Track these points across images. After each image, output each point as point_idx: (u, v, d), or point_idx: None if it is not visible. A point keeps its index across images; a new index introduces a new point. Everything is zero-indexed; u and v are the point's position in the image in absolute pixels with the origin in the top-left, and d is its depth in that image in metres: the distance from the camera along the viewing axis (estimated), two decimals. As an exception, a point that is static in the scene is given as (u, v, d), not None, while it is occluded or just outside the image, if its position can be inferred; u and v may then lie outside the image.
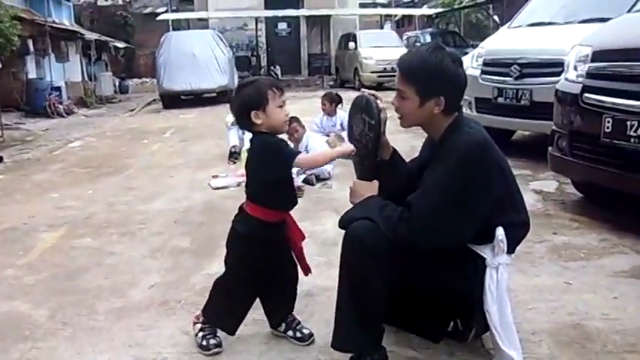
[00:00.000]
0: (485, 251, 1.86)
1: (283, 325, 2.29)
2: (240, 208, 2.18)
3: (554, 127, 3.85)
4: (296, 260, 2.23)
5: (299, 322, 2.29)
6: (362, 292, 1.86)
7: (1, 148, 8.24)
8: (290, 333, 2.26)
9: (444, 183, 1.79)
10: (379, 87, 13.98)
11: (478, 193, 1.78)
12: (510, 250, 1.89)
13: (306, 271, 2.26)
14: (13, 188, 5.54)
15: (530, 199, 4.27)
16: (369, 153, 2.06)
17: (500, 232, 1.82)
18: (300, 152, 2.11)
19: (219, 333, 2.22)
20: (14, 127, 10.43)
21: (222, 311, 2.21)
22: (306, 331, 2.25)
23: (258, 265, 2.13)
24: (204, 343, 2.19)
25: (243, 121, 2.11)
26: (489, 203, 1.81)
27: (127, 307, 2.68)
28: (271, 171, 2.05)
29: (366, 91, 2.09)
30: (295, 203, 2.19)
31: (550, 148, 3.89)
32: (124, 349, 2.28)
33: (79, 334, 2.43)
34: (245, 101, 2.07)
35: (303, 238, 2.26)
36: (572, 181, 4.25)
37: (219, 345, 2.19)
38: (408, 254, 1.81)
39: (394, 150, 2.16)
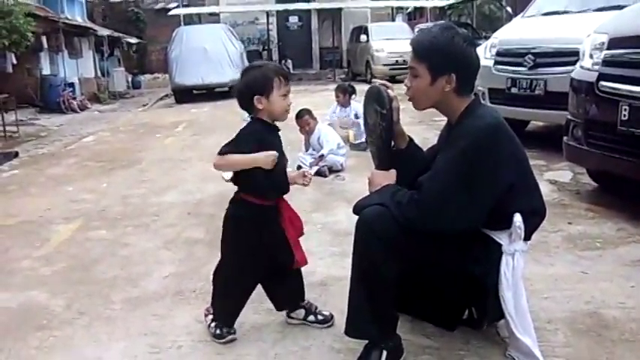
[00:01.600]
0: (501, 237, 1.84)
1: (302, 312, 2.30)
2: (234, 194, 2.21)
3: (569, 116, 3.80)
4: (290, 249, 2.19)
5: (317, 307, 2.32)
6: (372, 278, 1.85)
7: (16, 143, 8.34)
8: (311, 318, 2.29)
9: (453, 166, 1.78)
10: (391, 80, 13.91)
11: (487, 177, 1.77)
12: (526, 237, 1.87)
13: (301, 262, 2.21)
14: (29, 182, 5.61)
15: (545, 189, 4.22)
16: (384, 142, 2.05)
17: (518, 218, 1.80)
18: (230, 152, 2.11)
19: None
20: (29, 123, 10.54)
21: (220, 304, 2.23)
22: (326, 313, 2.30)
23: (250, 248, 2.13)
24: (218, 332, 2.20)
25: (244, 103, 2.11)
26: (499, 189, 1.79)
27: (142, 296, 2.71)
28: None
29: (378, 81, 2.08)
30: (282, 192, 2.17)
31: (565, 138, 3.84)
32: (139, 337, 2.30)
33: (95, 323, 2.46)
34: (250, 84, 2.08)
35: (301, 231, 2.25)
36: (588, 171, 4.20)
37: (232, 332, 2.20)
38: (420, 240, 1.80)
39: (410, 139, 2.16)
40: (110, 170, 5.99)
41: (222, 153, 2.12)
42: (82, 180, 5.55)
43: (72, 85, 13.54)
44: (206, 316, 2.30)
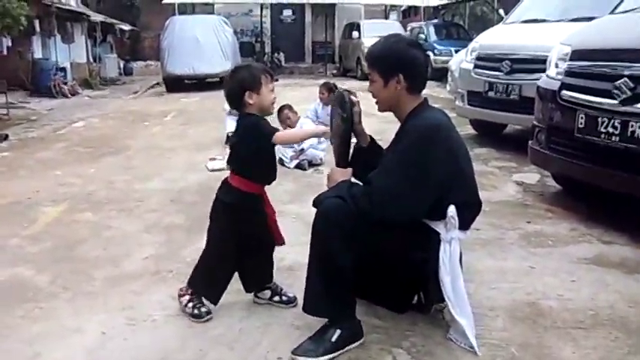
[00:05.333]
0: (439, 227, 2.07)
1: (269, 293, 2.52)
2: (223, 182, 2.39)
3: (534, 122, 4.04)
4: (272, 231, 2.44)
5: (282, 288, 2.54)
6: (328, 263, 2.07)
7: (6, 126, 8.45)
8: (276, 298, 2.51)
9: (396, 163, 2.03)
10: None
11: (426, 171, 1.99)
12: (463, 227, 2.09)
13: (280, 241, 2.48)
14: (18, 165, 5.75)
15: (510, 190, 4.47)
16: (343, 143, 2.29)
17: (451, 209, 2.03)
18: (277, 129, 2.32)
19: (206, 301, 2.43)
20: (19, 106, 10.62)
21: (207, 282, 2.42)
22: (290, 295, 2.52)
23: (242, 233, 2.34)
24: (196, 312, 2.39)
25: (235, 101, 2.32)
26: (438, 182, 2.02)
27: (122, 275, 2.90)
28: (252, 145, 2.27)
29: (342, 88, 2.32)
30: (274, 178, 2.42)
31: (530, 142, 4.09)
32: (117, 311, 2.49)
33: (77, 298, 2.65)
34: (241, 82, 2.29)
35: (274, 212, 2.48)
36: (552, 174, 4.44)
37: (209, 312, 2.40)
38: (371, 229, 2.02)
39: (371, 138, 2.41)
40: (98, 156, 6.15)
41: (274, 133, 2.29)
42: (70, 165, 5.71)
43: (63, 69, 13.61)
44: (181, 296, 2.47)
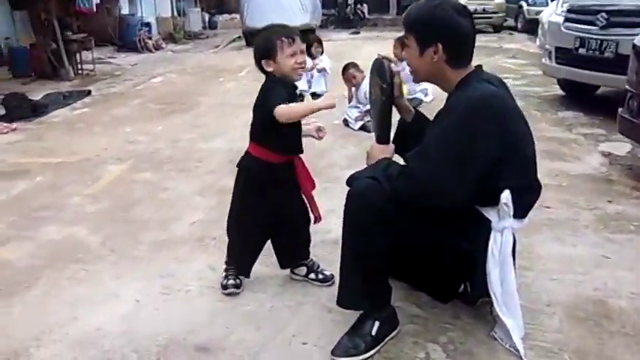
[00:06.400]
0: (491, 214, 1.81)
1: (305, 270, 2.41)
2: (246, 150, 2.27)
3: (626, 86, 3.55)
4: (306, 205, 2.29)
5: (319, 266, 2.42)
6: (362, 250, 1.86)
7: (92, 81, 8.83)
8: (312, 276, 2.40)
9: (437, 138, 1.76)
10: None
11: (470, 149, 1.71)
12: (519, 215, 1.82)
13: (317, 217, 2.32)
14: (94, 121, 5.98)
15: (594, 162, 4.03)
16: (383, 116, 2.06)
17: (505, 195, 1.76)
18: (283, 103, 2.05)
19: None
20: (106, 62, 11.07)
21: (234, 253, 2.36)
22: (327, 273, 2.39)
23: (257, 202, 2.22)
24: (224, 282, 2.35)
25: (258, 66, 2.18)
26: (484, 161, 1.73)
27: (168, 240, 2.92)
28: (259, 112, 2.13)
29: (381, 54, 2.07)
30: (297, 151, 2.22)
31: (620, 109, 3.61)
32: (156, 278, 2.50)
33: (121, 261, 2.70)
34: (257, 50, 2.17)
35: (314, 186, 2.31)
36: (645, 146, 3.92)
37: (237, 286, 2.33)
38: (409, 212, 1.80)
39: (417, 111, 2.16)
40: (168, 113, 6.27)
41: (278, 105, 2.08)
42: (140, 121, 5.86)
43: (148, 24, 13.97)
44: (225, 262, 2.42)
